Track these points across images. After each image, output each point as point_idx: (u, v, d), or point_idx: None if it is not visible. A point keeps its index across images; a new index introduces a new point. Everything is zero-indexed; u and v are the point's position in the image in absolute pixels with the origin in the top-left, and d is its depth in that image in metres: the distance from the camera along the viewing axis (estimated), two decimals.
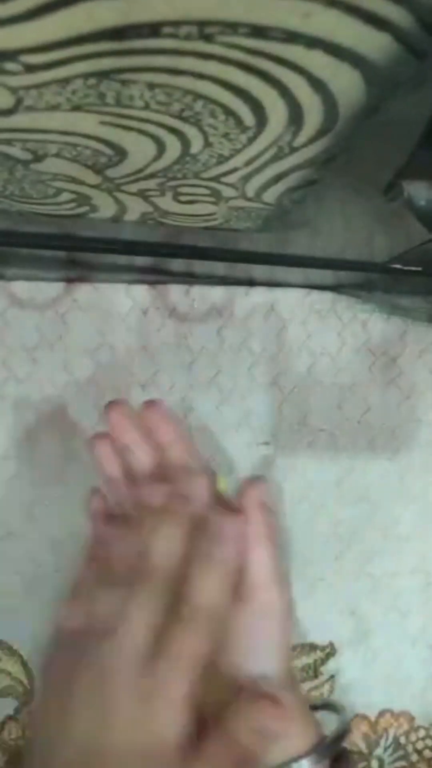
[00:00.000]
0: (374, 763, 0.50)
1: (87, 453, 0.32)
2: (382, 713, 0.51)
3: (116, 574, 0.26)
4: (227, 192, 0.23)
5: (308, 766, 0.25)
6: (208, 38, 0.13)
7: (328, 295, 0.45)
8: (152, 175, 0.21)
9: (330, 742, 0.26)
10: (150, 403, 0.31)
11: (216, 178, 0.21)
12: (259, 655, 0.26)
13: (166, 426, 0.30)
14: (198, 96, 0.16)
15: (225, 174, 0.21)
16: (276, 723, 0.25)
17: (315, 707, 0.30)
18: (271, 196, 0.23)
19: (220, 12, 0.13)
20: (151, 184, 0.22)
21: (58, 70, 0.14)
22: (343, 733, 0.27)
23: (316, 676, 0.49)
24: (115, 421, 0.30)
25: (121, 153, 0.19)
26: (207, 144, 0.18)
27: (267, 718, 0.25)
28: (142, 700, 0.22)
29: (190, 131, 0.18)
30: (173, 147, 0.19)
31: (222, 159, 0.19)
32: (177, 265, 0.38)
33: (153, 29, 0.13)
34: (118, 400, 0.31)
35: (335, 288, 0.45)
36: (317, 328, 0.46)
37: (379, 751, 0.51)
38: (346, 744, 0.27)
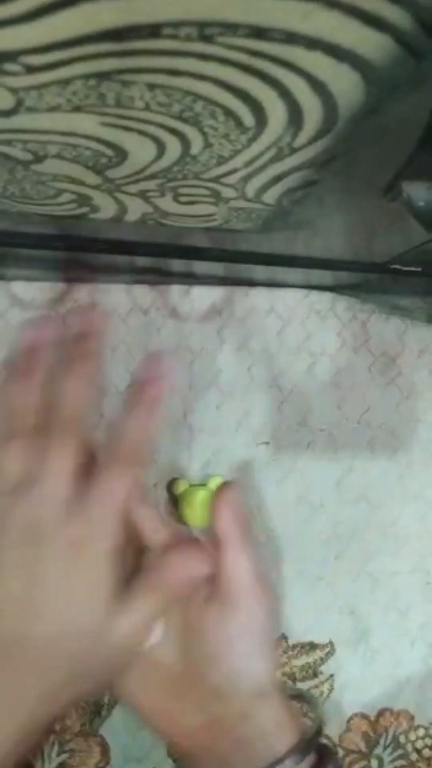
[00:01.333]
0: (374, 762, 0.50)
1: None
2: (381, 712, 0.51)
3: (23, 425, 0.25)
4: (227, 193, 0.23)
5: (291, 765, 0.25)
6: (208, 39, 0.13)
7: (327, 296, 0.45)
8: (152, 176, 0.21)
9: (310, 738, 0.26)
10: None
11: (216, 179, 0.21)
12: (244, 659, 0.26)
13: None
14: (198, 97, 0.16)
15: (225, 175, 0.21)
16: (201, 564, 0.26)
17: (291, 697, 0.30)
18: (271, 196, 0.23)
19: (220, 13, 0.13)
20: (152, 184, 0.22)
21: (59, 71, 0.14)
22: (320, 729, 0.27)
23: (315, 675, 0.49)
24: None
25: (121, 154, 0.19)
26: (207, 145, 0.18)
27: (193, 558, 0.26)
28: (72, 548, 0.22)
29: (190, 132, 0.18)
30: (173, 148, 0.19)
31: (222, 160, 0.20)
32: (177, 265, 0.38)
33: (153, 30, 0.13)
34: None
35: (335, 288, 0.45)
36: (317, 328, 0.46)
37: (378, 750, 0.51)
38: (323, 737, 0.27)
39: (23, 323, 0.28)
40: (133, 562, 0.26)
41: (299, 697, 0.30)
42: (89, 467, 0.25)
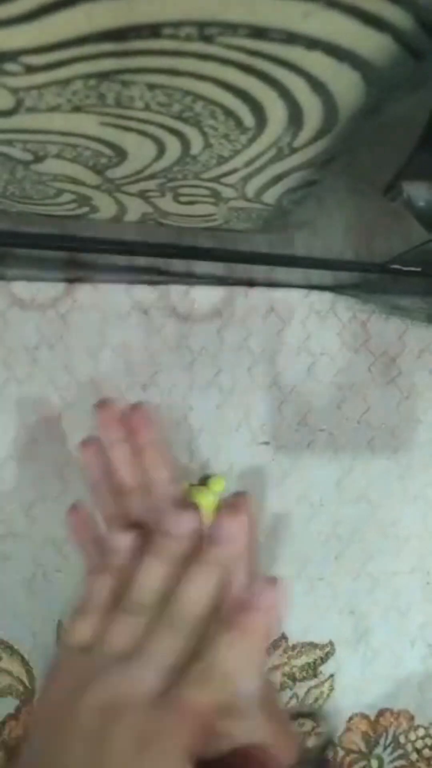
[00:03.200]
0: (374, 762, 0.50)
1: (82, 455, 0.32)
2: (381, 712, 0.51)
3: (137, 602, 0.25)
4: (227, 193, 0.23)
5: None
6: (208, 39, 0.13)
7: (327, 296, 0.45)
8: (152, 176, 0.21)
9: (312, 757, 0.26)
10: (134, 406, 0.31)
11: (216, 179, 0.21)
12: (238, 678, 0.26)
13: (145, 429, 0.31)
14: (198, 97, 0.16)
15: (225, 175, 0.21)
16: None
17: (301, 715, 0.30)
18: (271, 196, 0.23)
19: (220, 13, 0.13)
20: (152, 184, 0.22)
21: (59, 71, 0.14)
22: (326, 745, 0.27)
23: (315, 675, 0.49)
24: (104, 420, 0.31)
25: (121, 154, 0.19)
26: (207, 145, 0.18)
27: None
28: (142, 744, 0.22)
29: (190, 132, 0.18)
30: (173, 148, 0.19)
31: (222, 160, 0.20)
32: (177, 265, 0.38)
33: (153, 30, 0.13)
34: (106, 399, 0.32)
35: (335, 288, 0.45)
36: (317, 328, 0.46)
37: (378, 750, 0.51)
38: (329, 753, 0.27)
39: None
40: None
41: (310, 715, 0.30)
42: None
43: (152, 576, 0.26)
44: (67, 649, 0.26)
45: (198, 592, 0.25)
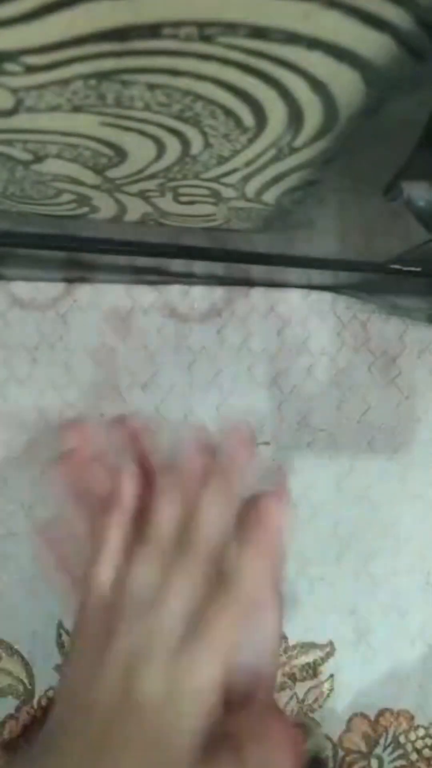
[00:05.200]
0: (374, 762, 0.50)
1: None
2: (381, 712, 0.51)
3: (155, 538, 0.25)
4: (227, 193, 0.23)
5: None
6: (208, 39, 0.13)
7: (327, 296, 0.45)
8: (152, 176, 0.21)
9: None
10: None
11: (216, 179, 0.21)
12: (248, 674, 0.26)
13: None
14: (198, 97, 0.16)
15: (225, 175, 0.21)
16: (289, 758, 0.25)
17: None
18: (271, 196, 0.23)
19: (220, 13, 0.13)
20: (151, 184, 0.22)
21: (59, 71, 0.14)
22: (318, 757, 0.26)
23: (315, 675, 0.49)
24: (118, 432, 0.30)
25: (121, 154, 0.19)
26: (207, 145, 0.18)
27: (282, 752, 0.24)
28: (170, 684, 0.22)
29: (190, 132, 0.18)
30: (173, 148, 0.19)
31: (222, 160, 0.20)
32: (177, 265, 0.38)
33: (153, 30, 0.13)
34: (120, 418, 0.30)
35: (335, 288, 0.45)
36: (317, 328, 0.46)
37: (378, 750, 0.51)
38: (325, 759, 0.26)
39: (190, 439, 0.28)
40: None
41: (300, 725, 0.29)
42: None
43: (167, 509, 0.25)
44: (88, 598, 0.25)
45: (217, 518, 0.25)
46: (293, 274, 0.41)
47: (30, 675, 0.46)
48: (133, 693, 0.22)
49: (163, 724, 0.22)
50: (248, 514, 0.25)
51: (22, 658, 0.46)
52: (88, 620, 0.24)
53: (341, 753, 0.50)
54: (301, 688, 0.49)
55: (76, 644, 0.25)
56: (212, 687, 0.22)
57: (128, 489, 0.27)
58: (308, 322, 0.45)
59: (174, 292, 0.43)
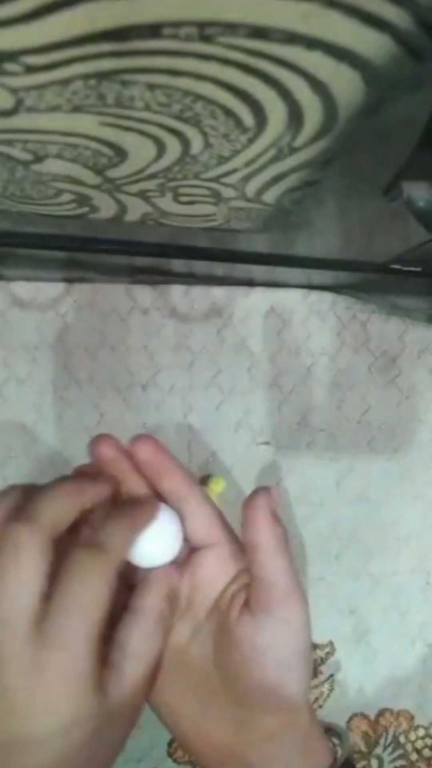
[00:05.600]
0: (374, 762, 0.50)
1: (87, 454, 0.32)
2: (381, 712, 0.51)
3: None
4: (227, 193, 0.23)
5: None
6: (208, 39, 0.13)
7: (327, 296, 0.45)
8: (152, 176, 0.21)
9: (341, 766, 0.25)
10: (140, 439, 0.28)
11: (216, 179, 0.21)
12: (276, 671, 0.26)
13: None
14: (198, 97, 0.16)
15: (225, 175, 0.21)
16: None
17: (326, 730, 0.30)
18: (271, 196, 0.23)
19: (220, 13, 0.13)
20: (151, 184, 0.22)
21: (59, 71, 0.14)
22: (349, 758, 0.26)
23: (315, 675, 0.49)
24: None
25: (121, 154, 0.19)
26: (207, 145, 0.18)
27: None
28: (37, 683, 0.21)
29: (190, 132, 0.18)
30: (173, 148, 0.19)
31: (222, 160, 0.20)
32: (177, 265, 0.38)
33: (153, 30, 0.13)
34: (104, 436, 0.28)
35: (335, 288, 0.45)
36: (317, 328, 0.46)
37: (378, 750, 0.51)
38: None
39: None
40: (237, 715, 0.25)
41: (328, 731, 0.29)
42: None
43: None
44: None
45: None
46: (293, 274, 0.41)
47: None
48: (8, 688, 0.21)
49: (46, 692, 0.21)
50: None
51: None
52: None
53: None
54: None
55: None
56: (81, 650, 0.22)
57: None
58: (308, 322, 0.45)
59: (174, 292, 0.43)
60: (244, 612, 0.26)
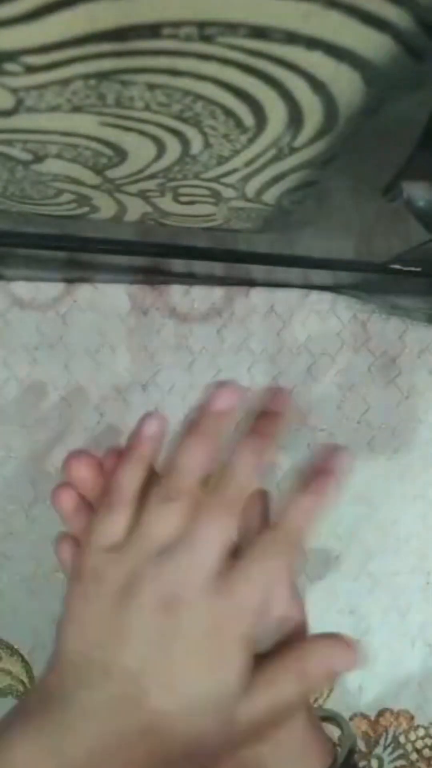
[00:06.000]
0: (374, 762, 0.50)
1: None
2: (381, 712, 0.51)
3: (177, 487, 0.23)
4: (227, 193, 0.23)
5: None
6: (208, 39, 0.13)
7: (327, 296, 0.45)
8: (152, 176, 0.21)
9: (342, 763, 0.25)
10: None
11: (216, 179, 0.21)
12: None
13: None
14: (198, 97, 0.16)
15: (225, 175, 0.21)
16: (348, 662, 0.25)
17: (324, 718, 0.30)
18: (271, 196, 0.23)
19: (220, 13, 0.13)
20: (151, 184, 0.22)
21: (59, 71, 0.14)
22: (352, 751, 0.26)
23: None
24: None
25: (121, 154, 0.19)
26: (207, 145, 0.18)
27: (340, 653, 0.25)
28: (212, 628, 0.21)
29: (190, 132, 0.18)
30: (173, 148, 0.19)
31: (222, 160, 0.20)
32: (177, 265, 0.38)
33: (153, 30, 0.13)
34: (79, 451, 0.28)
35: (335, 288, 0.45)
36: (317, 328, 0.46)
37: (378, 750, 0.51)
38: (356, 758, 0.26)
39: (219, 384, 0.26)
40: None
41: (328, 718, 0.29)
42: (243, 543, 0.23)
43: (193, 457, 0.24)
44: (91, 553, 0.24)
45: (248, 467, 0.24)
46: (293, 274, 0.41)
47: (30, 675, 0.46)
48: (172, 640, 0.21)
49: (211, 651, 0.21)
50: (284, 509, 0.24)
51: (22, 658, 0.46)
52: (92, 576, 0.23)
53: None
54: None
55: (83, 592, 0.23)
56: (255, 612, 0.22)
57: (147, 436, 0.25)
58: (308, 322, 0.45)
59: (174, 292, 0.43)
60: None
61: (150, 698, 0.21)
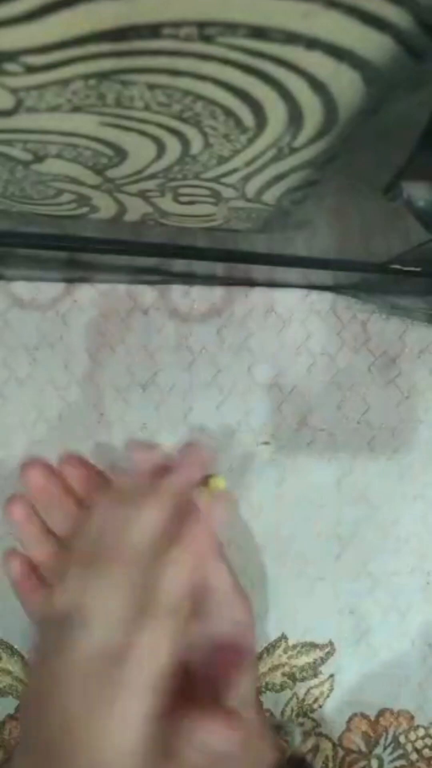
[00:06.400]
0: (374, 762, 0.50)
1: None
2: (381, 712, 0.51)
3: (88, 553, 0.24)
4: (227, 193, 0.23)
5: None
6: (208, 39, 0.13)
7: (327, 296, 0.45)
8: (152, 176, 0.21)
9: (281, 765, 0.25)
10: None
11: (216, 179, 0.21)
12: (225, 670, 0.26)
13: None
14: (198, 97, 0.16)
15: (225, 175, 0.21)
16: (225, 744, 0.24)
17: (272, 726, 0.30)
18: (270, 196, 0.23)
19: (220, 13, 0.13)
20: (151, 184, 0.22)
21: (59, 71, 0.14)
22: (297, 759, 0.26)
23: (315, 675, 0.49)
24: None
25: (121, 154, 0.19)
26: (207, 145, 0.18)
27: (217, 738, 0.24)
28: (103, 704, 0.21)
29: (190, 132, 0.18)
30: (173, 148, 0.19)
31: (222, 160, 0.20)
32: (177, 265, 0.38)
33: (153, 30, 0.13)
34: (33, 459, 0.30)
35: (335, 288, 0.45)
36: (317, 328, 0.46)
37: (378, 750, 0.51)
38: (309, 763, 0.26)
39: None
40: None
41: (278, 728, 0.29)
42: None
43: (99, 519, 0.25)
44: (40, 618, 0.25)
45: (148, 526, 0.24)
46: (293, 274, 0.41)
47: None
48: (69, 716, 0.21)
49: (99, 746, 0.21)
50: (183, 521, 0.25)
51: (22, 658, 0.46)
52: (39, 643, 0.24)
53: (341, 753, 0.50)
54: (301, 688, 0.49)
55: (34, 661, 0.25)
56: (146, 705, 0.22)
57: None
58: (308, 322, 0.45)
59: (174, 292, 0.43)
60: (191, 618, 0.25)
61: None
